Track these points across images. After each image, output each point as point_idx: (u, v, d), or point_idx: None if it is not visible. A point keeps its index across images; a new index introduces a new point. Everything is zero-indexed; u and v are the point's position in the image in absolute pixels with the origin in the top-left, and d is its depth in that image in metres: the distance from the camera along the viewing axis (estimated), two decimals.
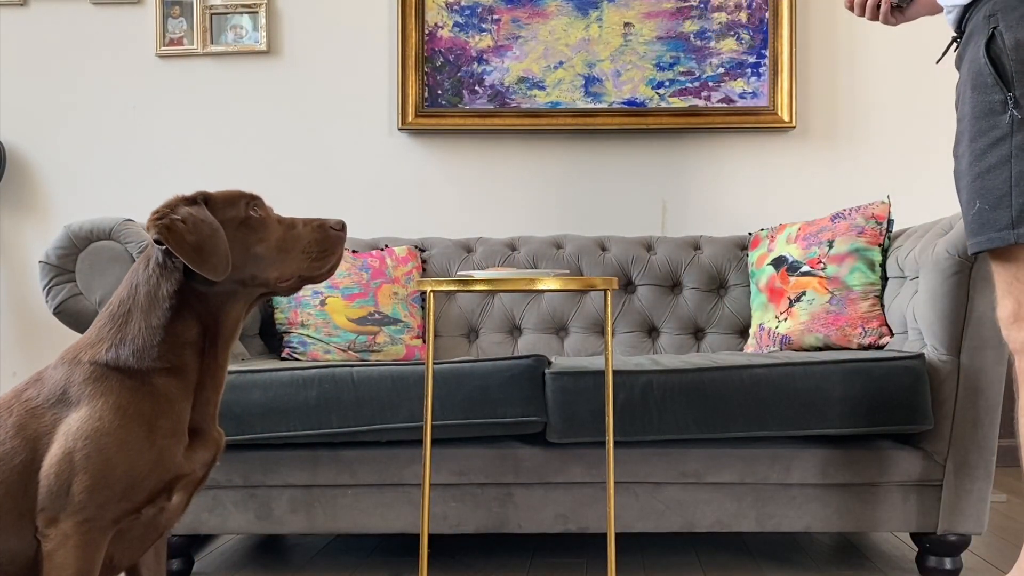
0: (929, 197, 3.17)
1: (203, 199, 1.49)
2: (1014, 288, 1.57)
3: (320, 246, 1.53)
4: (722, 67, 3.20)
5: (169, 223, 1.41)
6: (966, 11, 1.69)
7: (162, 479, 1.40)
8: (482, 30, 3.24)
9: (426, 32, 3.23)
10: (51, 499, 1.35)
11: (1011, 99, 1.50)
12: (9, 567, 1.38)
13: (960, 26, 1.72)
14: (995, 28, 1.54)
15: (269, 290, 1.52)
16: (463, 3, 3.23)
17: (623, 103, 3.22)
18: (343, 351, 2.65)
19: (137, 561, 1.54)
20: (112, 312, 1.46)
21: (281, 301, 2.70)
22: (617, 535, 2.62)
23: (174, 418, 1.42)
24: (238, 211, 1.49)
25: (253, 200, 1.51)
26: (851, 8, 1.96)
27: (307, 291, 2.68)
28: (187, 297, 1.45)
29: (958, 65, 1.75)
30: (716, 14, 3.20)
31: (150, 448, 1.38)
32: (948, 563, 2.19)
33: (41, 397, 1.41)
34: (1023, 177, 1.47)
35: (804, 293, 2.58)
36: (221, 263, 1.42)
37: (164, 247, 1.42)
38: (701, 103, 3.21)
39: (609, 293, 1.95)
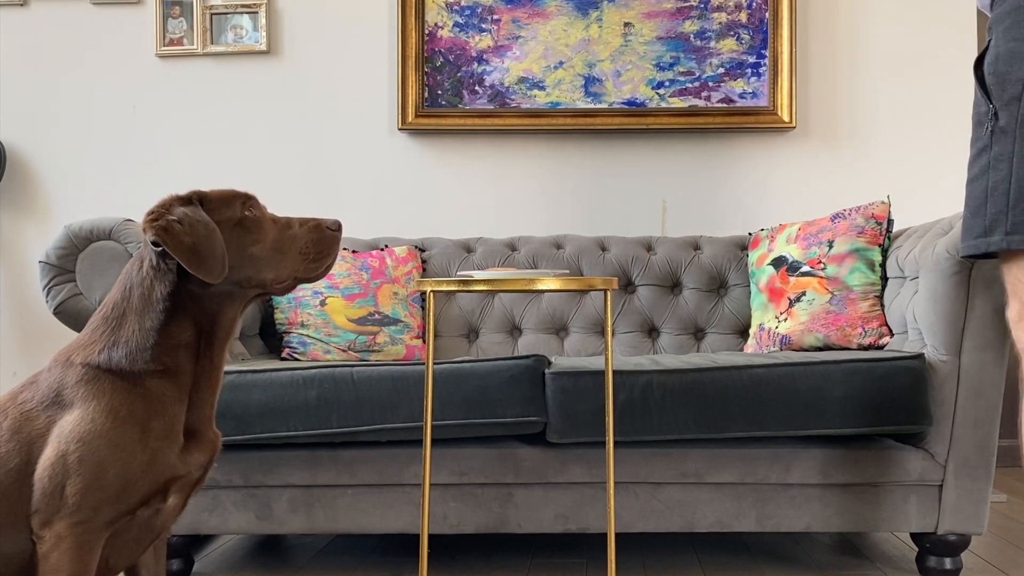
0: (929, 197, 3.17)
1: (198, 199, 1.47)
2: (1018, 289, 1.59)
3: (317, 247, 1.52)
4: (722, 67, 3.20)
5: (166, 224, 1.39)
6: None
7: (156, 481, 1.40)
8: (482, 30, 3.23)
9: (426, 32, 3.23)
10: (45, 501, 1.35)
11: (991, 110, 1.53)
12: (5, 569, 1.38)
13: None
14: (990, 40, 1.57)
15: (265, 291, 1.51)
16: (463, 3, 3.23)
17: (623, 103, 3.22)
18: (343, 351, 2.65)
19: (134, 562, 1.53)
20: (106, 315, 1.45)
21: (281, 301, 2.70)
22: (617, 535, 2.62)
23: (167, 420, 1.42)
24: (234, 211, 1.47)
25: (248, 200, 1.50)
26: None
27: (307, 291, 2.68)
28: (182, 299, 1.44)
29: None
30: (716, 14, 3.20)
31: (143, 450, 1.38)
32: (948, 563, 2.19)
33: (35, 400, 1.40)
34: (996, 187, 1.50)
35: (804, 293, 2.58)
36: (218, 265, 1.41)
37: (160, 248, 1.41)
38: (701, 103, 3.20)
39: (609, 293, 1.95)
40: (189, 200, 1.46)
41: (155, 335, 1.42)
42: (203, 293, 1.45)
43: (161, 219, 1.40)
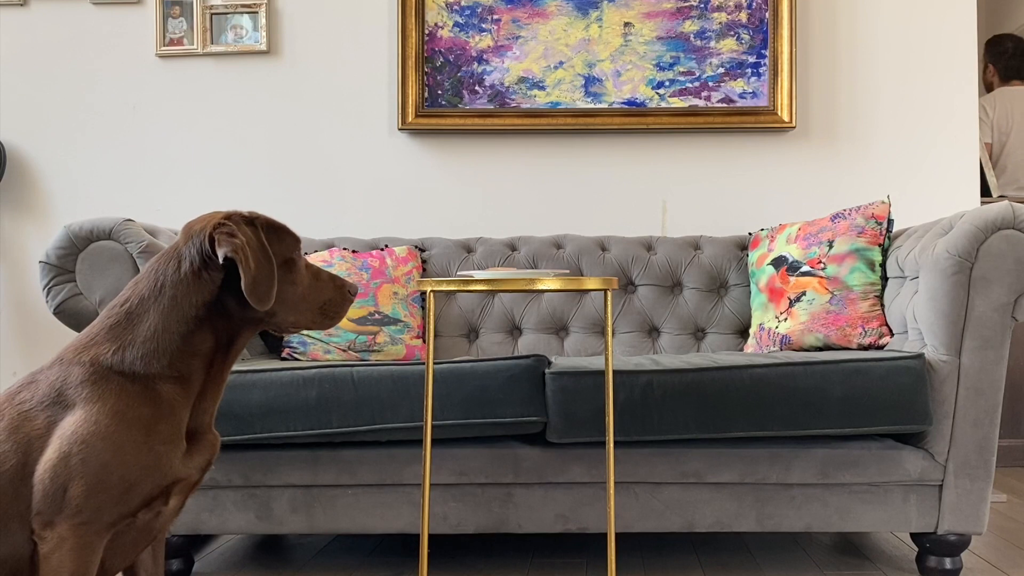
0: (929, 197, 3.17)
1: (262, 225, 1.50)
2: None
3: (336, 308, 1.57)
4: (722, 67, 3.20)
5: (243, 243, 1.41)
6: None
7: (160, 484, 1.40)
8: (482, 30, 3.23)
9: (426, 32, 3.23)
10: (47, 502, 1.34)
11: None
12: (1, 570, 1.38)
13: None
14: None
15: (277, 330, 1.55)
16: (463, 3, 3.23)
17: (623, 103, 3.22)
18: (343, 351, 2.65)
19: (131, 563, 1.53)
20: (129, 310, 1.44)
21: None
22: (617, 535, 2.62)
23: (174, 424, 1.42)
24: (286, 249, 1.51)
25: (298, 242, 1.54)
26: None
27: None
28: (211, 312, 1.46)
29: None
30: (716, 14, 3.20)
31: (148, 453, 1.38)
32: (948, 563, 2.20)
33: (35, 399, 1.39)
34: None
35: (804, 293, 2.58)
36: (269, 294, 1.43)
37: (224, 260, 1.41)
38: (701, 103, 3.20)
39: (609, 293, 1.95)
40: (252, 222, 1.48)
41: (179, 340, 1.43)
42: (237, 313, 1.47)
43: (236, 236, 1.42)
